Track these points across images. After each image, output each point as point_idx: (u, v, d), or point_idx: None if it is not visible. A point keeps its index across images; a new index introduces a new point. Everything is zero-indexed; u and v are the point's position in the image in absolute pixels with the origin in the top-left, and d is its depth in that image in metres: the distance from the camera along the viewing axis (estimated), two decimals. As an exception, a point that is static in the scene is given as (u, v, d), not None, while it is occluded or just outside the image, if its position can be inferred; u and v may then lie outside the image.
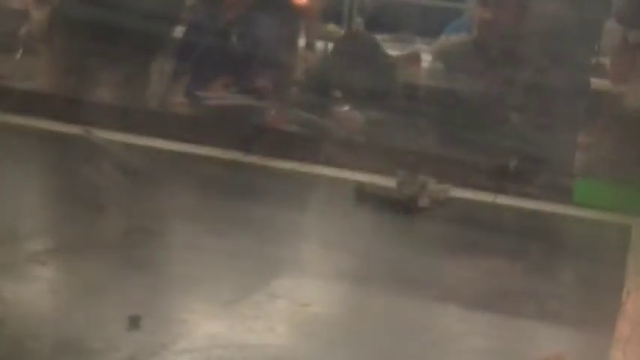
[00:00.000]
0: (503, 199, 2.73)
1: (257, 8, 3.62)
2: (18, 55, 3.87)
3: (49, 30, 3.72)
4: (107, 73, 3.57)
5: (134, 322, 1.67)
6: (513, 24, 3.28)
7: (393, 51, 4.00)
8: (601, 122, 3.31)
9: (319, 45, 4.31)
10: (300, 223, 2.55)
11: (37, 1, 3.77)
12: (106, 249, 2.13)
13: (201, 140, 3.00)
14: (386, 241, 2.43)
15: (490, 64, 3.28)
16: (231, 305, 1.84)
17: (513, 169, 2.78)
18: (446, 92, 3.31)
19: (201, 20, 3.67)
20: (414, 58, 3.98)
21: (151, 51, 3.65)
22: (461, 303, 1.97)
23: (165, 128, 3.07)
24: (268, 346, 1.69)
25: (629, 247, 2.36)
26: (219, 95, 3.45)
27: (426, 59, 3.79)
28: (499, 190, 2.75)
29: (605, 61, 3.68)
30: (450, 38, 3.67)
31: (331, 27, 4.92)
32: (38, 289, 1.87)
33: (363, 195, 2.64)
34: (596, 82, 3.47)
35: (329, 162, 2.91)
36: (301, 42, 4.09)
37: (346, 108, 3.51)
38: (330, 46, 4.08)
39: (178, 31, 3.75)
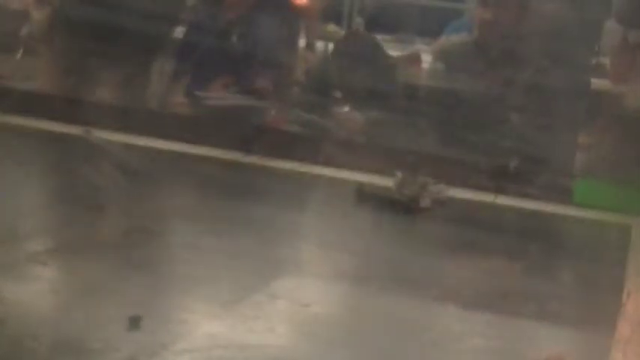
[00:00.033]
0: (503, 200, 2.73)
1: (257, 8, 3.62)
2: (18, 56, 3.87)
3: (49, 30, 3.72)
4: (107, 73, 3.57)
5: (134, 322, 1.67)
6: (513, 24, 3.28)
7: (393, 51, 4.00)
8: (601, 122, 3.31)
9: (319, 45, 4.31)
10: (301, 224, 2.56)
11: (38, 1, 3.77)
12: (106, 249, 2.13)
13: (201, 140, 3.00)
14: (386, 242, 2.43)
15: (490, 65, 3.28)
16: (232, 305, 1.84)
17: (513, 169, 2.78)
18: (446, 92, 3.31)
19: (202, 20, 3.67)
20: (415, 59, 3.98)
21: (151, 51, 3.65)
22: (461, 303, 1.97)
23: (165, 128, 3.07)
24: (268, 346, 1.69)
25: (629, 248, 2.36)
26: (220, 95, 3.45)
27: (427, 59, 3.79)
28: (499, 191, 2.75)
29: (605, 61, 3.68)
30: (451, 38, 3.67)
31: (331, 27, 4.92)
32: (38, 289, 1.87)
33: (364, 195, 2.64)
34: (596, 82, 3.47)
35: (329, 162, 2.91)
36: (301, 42, 4.09)
37: (346, 109, 3.52)
38: (331, 46, 4.08)
39: (179, 31, 3.75)
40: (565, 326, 1.96)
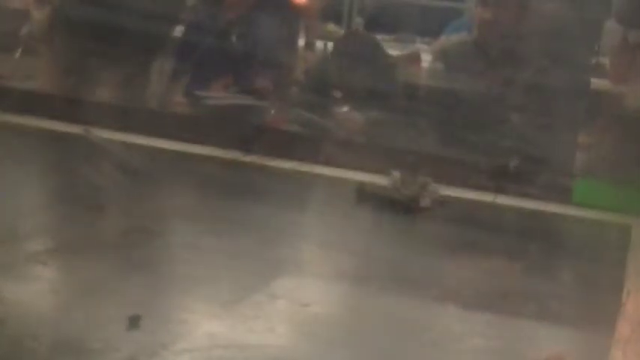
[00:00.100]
0: (503, 199, 2.73)
1: (257, 8, 3.62)
2: (18, 55, 3.87)
3: (49, 30, 3.72)
4: (107, 73, 3.57)
5: (134, 322, 1.67)
6: (513, 24, 3.28)
7: (393, 51, 4.00)
8: (601, 122, 3.31)
9: (319, 45, 4.31)
10: (300, 223, 2.56)
11: (38, 1, 3.77)
12: (106, 249, 2.13)
13: (201, 140, 3.00)
14: (386, 241, 2.43)
15: (490, 64, 3.28)
16: (232, 305, 1.84)
17: (513, 169, 2.78)
18: (446, 92, 3.31)
19: (202, 20, 3.67)
20: (414, 58, 3.98)
21: (151, 51, 3.65)
22: (461, 303, 1.97)
23: (165, 128, 3.07)
24: (268, 346, 1.69)
25: (629, 247, 2.36)
26: (219, 95, 3.45)
27: (426, 59, 3.79)
28: (499, 190, 2.75)
29: (605, 61, 3.68)
30: (450, 38, 3.67)
31: (331, 27, 4.92)
32: (38, 289, 1.87)
33: (364, 195, 2.63)
34: (596, 82, 3.47)
35: (329, 162, 2.91)
36: (301, 42, 4.09)
37: (346, 109, 3.52)
38: (330, 46, 4.08)
39: (178, 31, 3.75)
40: (565, 326, 1.96)
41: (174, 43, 3.75)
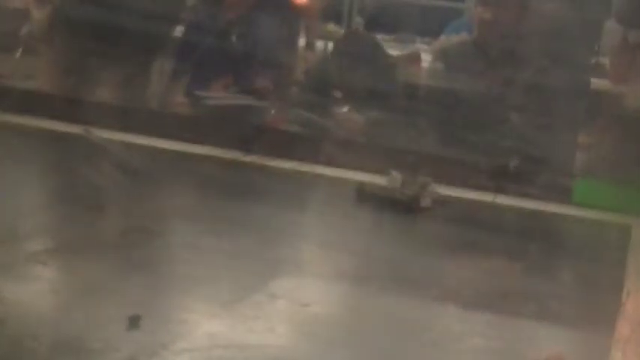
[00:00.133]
0: (503, 199, 2.73)
1: (257, 8, 3.62)
2: (18, 55, 3.87)
3: (49, 30, 3.72)
4: (107, 73, 3.57)
5: (134, 322, 1.67)
6: (513, 24, 3.28)
7: (393, 51, 4.00)
8: (601, 122, 3.31)
9: (319, 45, 4.31)
10: (300, 223, 2.55)
11: (38, 0, 3.77)
12: (106, 249, 2.13)
13: (201, 140, 3.00)
14: (386, 241, 2.43)
15: (490, 64, 3.28)
16: (231, 305, 1.84)
17: (513, 169, 2.78)
18: (446, 92, 3.32)
19: (202, 20, 3.67)
20: (414, 58, 3.98)
21: (151, 51, 3.65)
22: (461, 303, 1.97)
23: (165, 128, 3.07)
24: (268, 346, 1.69)
25: (629, 248, 2.36)
26: (220, 95, 3.45)
27: (426, 59, 3.80)
28: (499, 190, 2.75)
29: (605, 61, 3.68)
30: (450, 38, 3.68)
31: (331, 27, 4.92)
32: (38, 289, 1.87)
33: (364, 195, 2.63)
34: (596, 82, 3.47)
35: (329, 162, 2.91)
36: (301, 42, 4.09)
37: (346, 109, 3.52)
38: (330, 46, 4.08)
39: (178, 31, 3.75)
40: (565, 326, 1.96)
41: (174, 43, 3.75)
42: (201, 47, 3.58)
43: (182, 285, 1.97)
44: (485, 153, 2.89)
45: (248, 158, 2.93)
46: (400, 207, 2.56)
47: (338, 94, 3.60)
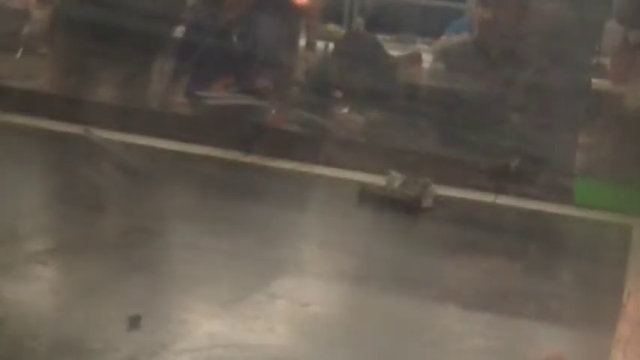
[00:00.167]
0: (503, 199, 2.73)
1: (257, 8, 3.62)
2: (19, 55, 3.87)
3: (50, 30, 3.73)
4: (107, 73, 3.57)
5: (134, 322, 1.67)
6: (513, 24, 3.28)
7: (393, 51, 4.00)
8: (601, 122, 3.31)
9: (320, 45, 4.31)
10: (300, 223, 2.56)
11: (39, 0, 3.77)
12: (106, 249, 2.13)
13: (201, 140, 3.00)
14: (386, 242, 2.43)
15: (490, 64, 3.28)
16: (232, 305, 1.84)
17: (514, 169, 2.78)
18: (446, 92, 3.32)
19: (202, 20, 3.67)
20: (415, 59, 3.98)
21: (152, 51, 3.65)
22: (461, 303, 1.97)
23: (165, 128, 3.07)
24: (268, 346, 1.69)
25: (630, 248, 2.36)
26: (220, 95, 3.45)
27: (427, 59, 3.80)
28: (499, 190, 2.75)
29: (606, 61, 3.68)
30: (451, 38, 3.68)
31: (332, 27, 4.92)
32: (38, 289, 1.87)
33: (365, 195, 2.63)
34: (597, 82, 3.47)
35: (329, 162, 2.91)
36: (302, 42, 4.09)
37: (347, 109, 3.52)
38: (331, 46, 4.08)
39: (179, 31, 3.75)
40: (565, 326, 1.96)
41: (174, 43, 3.75)
42: (202, 47, 3.58)
43: (182, 285, 1.97)
44: (485, 153, 2.89)
45: (248, 158, 2.93)
46: (401, 207, 2.56)
47: (338, 94, 3.60)
